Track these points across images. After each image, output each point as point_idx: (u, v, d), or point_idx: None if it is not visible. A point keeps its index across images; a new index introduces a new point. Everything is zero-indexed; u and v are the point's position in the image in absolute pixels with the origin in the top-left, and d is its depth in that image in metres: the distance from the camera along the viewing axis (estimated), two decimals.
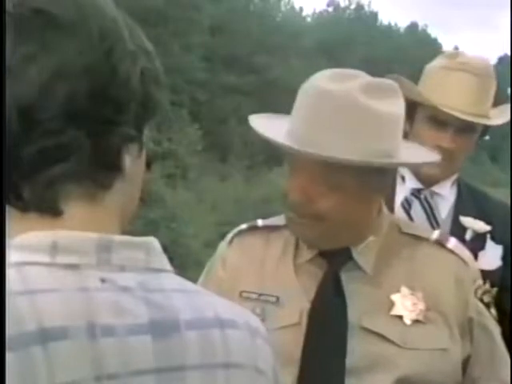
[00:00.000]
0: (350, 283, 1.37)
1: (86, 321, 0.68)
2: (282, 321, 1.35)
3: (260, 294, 1.39)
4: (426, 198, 1.98)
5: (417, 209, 1.97)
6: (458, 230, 1.91)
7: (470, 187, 2.05)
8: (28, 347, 0.64)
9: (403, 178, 2.00)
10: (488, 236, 1.93)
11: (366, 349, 1.31)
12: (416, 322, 1.34)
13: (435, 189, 1.98)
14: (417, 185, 1.98)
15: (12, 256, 0.69)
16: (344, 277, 1.37)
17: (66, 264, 0.70)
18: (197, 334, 0.76)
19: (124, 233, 0.78)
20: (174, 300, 0.76)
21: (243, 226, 1.50)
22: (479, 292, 1.44)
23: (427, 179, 1.97)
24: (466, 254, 1.47)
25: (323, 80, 1.30)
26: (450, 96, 1.90)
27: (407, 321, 1.34)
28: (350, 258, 1.38)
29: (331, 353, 1.33)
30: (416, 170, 1.95)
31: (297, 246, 1.43)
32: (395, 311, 1.34)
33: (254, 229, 1.49)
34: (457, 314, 1.38)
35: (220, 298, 0.84)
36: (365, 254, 1.39)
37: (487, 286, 1.49)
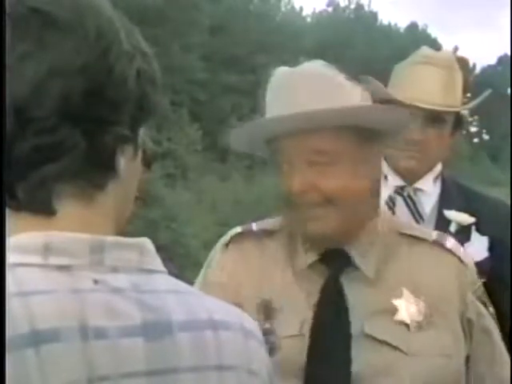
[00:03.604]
0: (351, 288, 1.34)
1: (78, 322, 0.68)
2: (284, 331, 1.32)
3: (263, 303, 1.35)
4: (409, 195, 2.01)
5: (401, 206, 1.99)
6: (442, 224, 1.93)
7: (454, 182, 2.07)
8: (21, 349, 0.64)
9: (386, 177, 2.02)
10: (473, 228, 1.94)
11: (370, 356, 1.29)
12: (420, 327, 1.32)
13: (418, 185, 2.01)
14: (399, 182, 2.01)
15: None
16: (345, 282, 1.35)
17: (59, 265, 0.70)
18: (190, 335, 0.76)
19: (124, 233, 0.78)
20: (167, 301, 0.76)
21: (238, 230, 1.46)
22: (478, 291, 1.44)
23: (408, 175, 2.01)
24: (464, 253, 1.46)
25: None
26: (416, 88, 1.94)
27: (411, 327, 1.32)
28: (350, 261, 1.36)
29: (336, 362, 1.30)
30: (394, 166, 2.00)
31: (294, 253, 1.40)
32: (399, 317, 1.32)
33: (249, 233, 1.45)
34: (458, 316, 1.37)
35: (214, 299, 0.83)
36: (364, 256, 1.36)
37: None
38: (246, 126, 1.39)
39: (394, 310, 1.32)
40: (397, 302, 1.33)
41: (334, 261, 1.37)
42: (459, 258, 1.42)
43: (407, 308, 1.33)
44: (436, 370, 1.31)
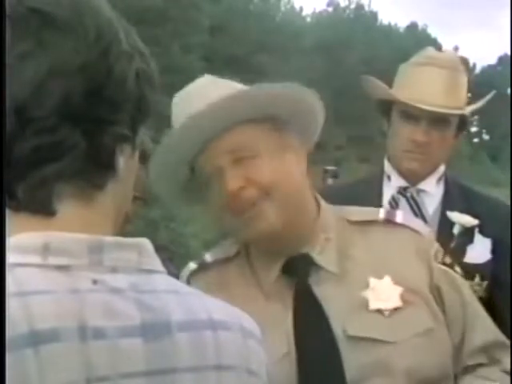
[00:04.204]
0: (322, 290, 1.32)
1: (77, 323, 0.68)
2: (274, 354, 1.24)
3: None
4: (412, 196, 2.01)
5: (404, 207, 1.99)
6: (445, 226, 1.92)
7: (457, 183, 2.07)
8: (20, 350, 0.64)
9: (389, 178, 2.02)
10: (476, 230, 1.94)
11: (359, 357, 1.26)
12: (395, 309, 1.30)
13: (421, 186, 2.01)
14: (402, 183, 2.01)
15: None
16: (314, 285, 1.32)
17: (58, 265, 0.70)
18: (189, 335, 0.76)
19: (124, 233, 0.78)
20: (166, 301, 0.76)
21: (193, 266, 1.43)
22: (439, 255, 1.42)
23: (411, 176, 2.00)
24: (416, 223, 1.45)
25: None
26: (420, 90, 1.93)
27: (387, 313, 1.29)
28: (313, 262, 1.34)
29: (328, 372, 1.27)
30: (397, 167, 1.99)
31: (256, 272, 1.37)
32: (373, 306, 1.30)
33: (205, 267, 1.42)
34: (427, 286, 1.35)
35: (213, 299, 0.83)
36: (325, 254, 1.34)
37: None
38: (159, 155, 1.33)
39: (366, 302, 1.30)
40: (366, 293, 1.31)
41: (298, 266, 1.34)
42: (413, 229, 1.41)
43: (376, 295, 1.31)
44: (423, 347, 1.29)
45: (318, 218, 1.38)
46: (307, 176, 1.38)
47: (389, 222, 1.41)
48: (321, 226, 1.37)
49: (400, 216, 1.43)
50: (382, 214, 1.42)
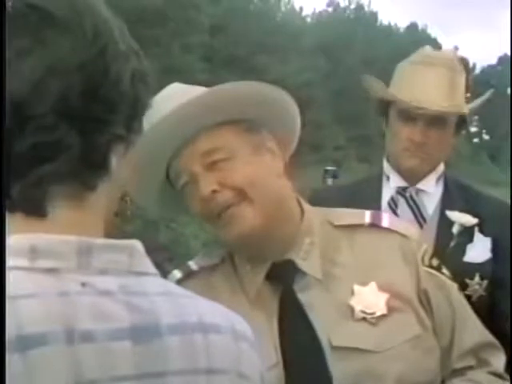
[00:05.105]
0: (306, 297, 1.30)
1: (65, 326, 0.67)
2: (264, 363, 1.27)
3: None
4: (411, 196, 1.99)
5: (403, 207, 1.98)
6: (445, 225, 1.92)
7: (456, 182, 2.05)
8: (8, 354, 0.63)
9: (388, 178, 2.01)
10: (476, 229, 1.93)
11: (347, 366, 1.25)
12: (381, 316, 1.28)
13: (420, 186, 2.00)
14: (401, 183, 2.00)
15: None
16: (299, 292, 1.31)
17: (46, 268, 0.69)
18: (179, 338, 0.75)
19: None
20: (157, 304, 0.75)
21: (178, 275, 1.41)
22: (426, 258, 1.40)
23: (410, 175, 1.99)
24: (403, 226, 1.43)
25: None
26: (416, 89, 1.92)
27: (372, 321, 1.28)
28: (297, 268, 1.32)
29: (317, 383, 1.26)
30: (396, 166, 1.98)
31: (241, 280, 1.36)
32: (357, 315, 1.28)
33: (191, 275, 1.40)
34: (414, 291, 1.34)
35: (206, 302, 0.82)
36: (309, 260, 1.33)
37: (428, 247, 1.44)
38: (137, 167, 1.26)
39: (351, 310, 1.28)
40: (351, 301, 1.29)
41: (282, 273, 1.33)
42: (399, 233, 1.39)
43: (362, 303, 1.29)
44: (411, 354, 1.28)
45: (301, 221, 1.36)
46: (289, 179, 1.37)
47: (374, 226, 1.39)
48: (305, 231, 1.35)
49: (386, 220, 1.41)
50: (367, 217, 1.40)
